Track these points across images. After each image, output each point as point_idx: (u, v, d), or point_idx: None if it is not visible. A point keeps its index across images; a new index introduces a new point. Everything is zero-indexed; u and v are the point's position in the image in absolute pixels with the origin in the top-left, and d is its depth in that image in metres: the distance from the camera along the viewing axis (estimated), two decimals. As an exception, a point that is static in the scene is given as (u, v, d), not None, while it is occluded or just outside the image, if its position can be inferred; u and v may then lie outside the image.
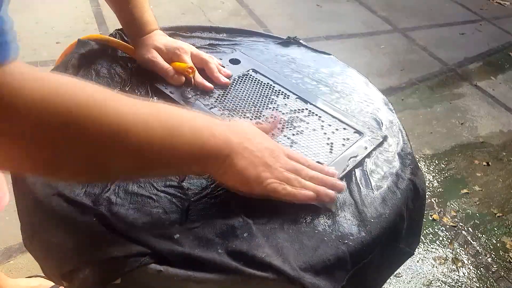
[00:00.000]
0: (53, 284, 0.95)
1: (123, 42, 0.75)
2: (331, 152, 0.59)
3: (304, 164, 0.52)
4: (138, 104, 0.41)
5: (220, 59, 0.76)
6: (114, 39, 0.75)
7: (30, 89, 0.33)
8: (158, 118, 0.42)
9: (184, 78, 0.68)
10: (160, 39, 0.71)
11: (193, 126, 0.45)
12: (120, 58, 0.74)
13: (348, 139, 0.62)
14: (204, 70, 0.70)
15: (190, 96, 0.67)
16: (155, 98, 0.65)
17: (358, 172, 0.58)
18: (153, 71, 0.69)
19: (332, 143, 0.61)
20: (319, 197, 0.50)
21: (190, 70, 0.67)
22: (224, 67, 0.73)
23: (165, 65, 0.68)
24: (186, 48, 0.71)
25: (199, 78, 0.69)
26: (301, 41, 0.87)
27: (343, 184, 0.53)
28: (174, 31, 0.83)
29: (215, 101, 0.66)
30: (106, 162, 0.40)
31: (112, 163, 0.40)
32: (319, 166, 0.54)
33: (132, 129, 0.39)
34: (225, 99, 0.67)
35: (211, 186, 0.53)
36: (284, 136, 0.61)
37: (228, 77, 0.71)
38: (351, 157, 0.59)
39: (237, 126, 0.51)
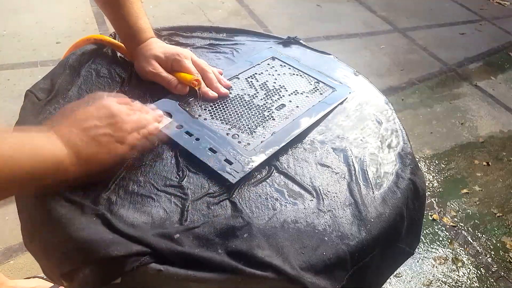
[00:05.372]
0: (52, 285, 0.95)
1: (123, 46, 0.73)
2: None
3: (138, 108, 0.56)
4: None
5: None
6: (116, 41, 0.74)
7: None
8: None
9: (188, 88, 0.66)
10: (158, 47, 0.68)
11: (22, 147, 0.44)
12: (120, 58, 0.74)
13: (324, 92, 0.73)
14: (203, 79, 0.68)
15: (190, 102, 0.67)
16: (151, 99, 0.65)
17: (358, 171, 0.58)
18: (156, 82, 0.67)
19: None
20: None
21: (196, 83, 0.65)
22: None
23: (168, 76, 0.66)
24: (186, 53, 0.68)
25: (204, 88, 0.66)
26: (301, 41, 0.87)
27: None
28: (174, 31, 0.83)
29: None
30: None
31: None
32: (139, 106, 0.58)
33: None
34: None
35: (211, 186, 0.53)
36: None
37: (228, 87, 0.69)
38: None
39: (63, 121, 0.50)
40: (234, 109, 0.65)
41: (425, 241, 1.36)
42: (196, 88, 0.65)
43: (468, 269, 1.30)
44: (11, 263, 1.07)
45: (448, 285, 1.24)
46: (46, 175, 0.45)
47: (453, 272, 1.28)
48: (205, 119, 0.62)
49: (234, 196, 0.51)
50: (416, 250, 0.60)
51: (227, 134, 0.60)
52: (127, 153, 0.52)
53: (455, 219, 1.46)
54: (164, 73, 0.66)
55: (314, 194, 0.54)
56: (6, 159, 0.41)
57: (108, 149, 0.50)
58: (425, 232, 1.38)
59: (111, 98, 0.54)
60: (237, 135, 0.60)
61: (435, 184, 1.58)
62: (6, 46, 1.81)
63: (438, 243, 1.36)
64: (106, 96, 0.54)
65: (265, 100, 0.68)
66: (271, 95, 0.69)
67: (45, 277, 0.97)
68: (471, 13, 3.02)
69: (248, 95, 0.69)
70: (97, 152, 0.49)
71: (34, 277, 0.99)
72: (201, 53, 0.79)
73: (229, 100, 0.67)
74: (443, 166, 1.67)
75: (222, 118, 0.63)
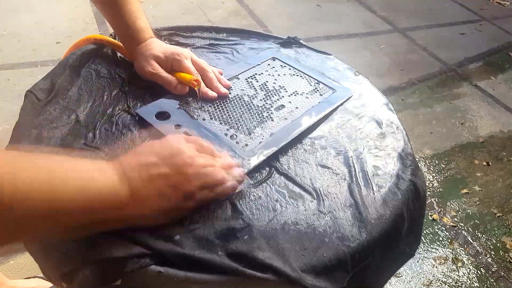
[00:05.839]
0: (51, 285, 0.95)
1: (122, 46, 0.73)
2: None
3: (209, 153, 0.51)
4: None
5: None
6: (116, 41, 0.74)
7: None
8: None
9: (187, 88, 0.66)
10: (158, 46, 0.68)
11: (78, 180, 0.39)
12: (120, 58, 0.74)
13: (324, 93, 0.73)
14: (202, 79, 0.68)
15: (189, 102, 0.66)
16: (151, 99, 0.65)
17: (358, 172, 0.58)
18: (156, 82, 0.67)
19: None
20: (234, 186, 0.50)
21: (196, 83, 0.64)
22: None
23: (167, 76, 0.66)
24: (186, 53, 0.68)
25: (203, 88, 0.66)
26: (301, 41, 0.87)
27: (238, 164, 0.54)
28: (174, 31, 0.83)
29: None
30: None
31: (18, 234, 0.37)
32: (220, 154, 0.54)
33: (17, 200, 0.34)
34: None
35: (211, 186, 0.52)
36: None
37: (228, 87, 0.69)
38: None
39: (131, 158, 0.45)
40: (233, 109, 0.65)
41: (425, 241, 1.36)
42: (196, 88, 0.65)
43: (468, 269, 1.30)
44: (11, 263, 1.06)
45: (448, 285, 1.24)
46: (94, 205, 0.40)
47: (453, 272, 1.28)
48: (203, 119, 0.62)
49: (234, 197, 0.51)
50: (416, 250, 0.60)
51: (225, 134, 0.60)
52: (189, 208, 0.46)
53: (455, 219, 1.46)
54: (164, 73, 0.66)
55: (315, 195, 0.53)
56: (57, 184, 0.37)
57: (165, 196, 0.44)
58: (425, 232, 1.38)
59: (185, 139, 0.49)
60: (235, 135, 0.60)
61: (435, 184, 1.58)
62: (6, 46, 1.81)
63: (438, 243, 1.36)
64: (182, 138, 0.49)
65: (264, 100, 0.68)
66: (270, 95, 0.69)
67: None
68: (471, 13, 3.03)
69: (248, 95, 0.68)
70: (149, 194, 0.43)
71: (34, 277, 0.99)
72: (201, 53, 0.79)
73: (228, 101, 0.67)
74: (443, 166, 1.67)
75: (220, 119, 0.63)
